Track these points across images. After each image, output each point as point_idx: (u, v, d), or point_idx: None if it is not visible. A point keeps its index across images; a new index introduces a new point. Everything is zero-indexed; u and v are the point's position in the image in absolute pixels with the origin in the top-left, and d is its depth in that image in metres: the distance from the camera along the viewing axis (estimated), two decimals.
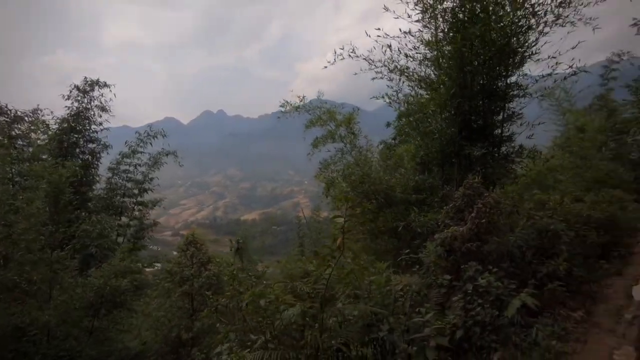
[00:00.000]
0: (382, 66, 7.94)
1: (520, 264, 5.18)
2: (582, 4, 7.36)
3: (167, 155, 21.16)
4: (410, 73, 7.82)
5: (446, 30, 7.22)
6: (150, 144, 20.57)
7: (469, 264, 4.75)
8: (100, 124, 18.49)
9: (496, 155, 7.42)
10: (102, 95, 17.81)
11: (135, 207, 20.62)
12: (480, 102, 7.32)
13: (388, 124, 15.54)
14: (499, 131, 7.72)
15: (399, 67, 7.77)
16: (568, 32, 6.98)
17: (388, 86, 8.62)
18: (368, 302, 3.41)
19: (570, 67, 7.28)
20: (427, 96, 7.87)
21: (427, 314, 3.33)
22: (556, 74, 7.38)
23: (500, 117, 7.66)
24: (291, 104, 10.73)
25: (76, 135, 17.70)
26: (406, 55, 7.70)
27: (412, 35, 7.70)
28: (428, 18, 7.31)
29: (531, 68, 7.52)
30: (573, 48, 7.14)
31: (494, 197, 5.18)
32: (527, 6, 7.09)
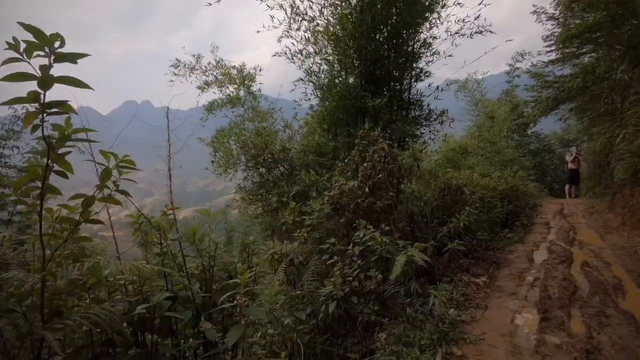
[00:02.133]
0: (276, 6, 6.72)
1: (420, 223, 4.40)
2: None
3: None
4: (310, 18, 6.77)
5: None
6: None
7: (357, 222, 3.79)
8: None
9: (403, 116, 6.71)
10: None
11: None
12: (386, 53, 6.53)
13: (311, 107, 14.59)
14: (407, 94, 7.09)
15: (294, 7, 6.65)
16: None
17: (292, 43, 7.53)
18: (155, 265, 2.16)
19: (476, 19, 6.88)
20: (331, 50, 6.93)
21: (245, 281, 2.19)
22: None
23: (409, 76, 7.04)
24: (185, 64, 9.07)
25: None
26: None
27: None
28: None
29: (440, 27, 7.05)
30: (479, 3, 6.80)
31: (391, 145, 4.30)
32: None
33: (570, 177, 14.97)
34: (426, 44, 6.92)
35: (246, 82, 8.40)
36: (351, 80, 6.36)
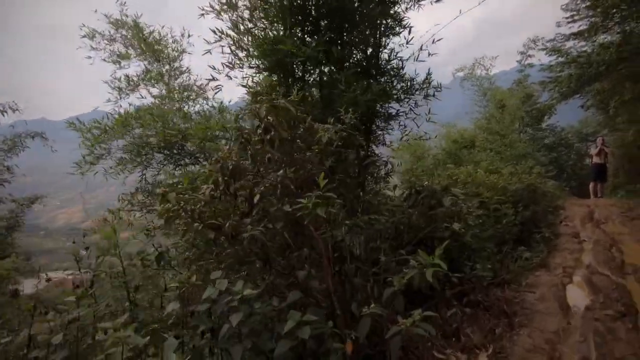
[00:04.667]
0: None
1: (363, 262, 2.24)
2: None
3: (32, 137, 16.24)
4: None
5: None
6: None
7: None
8: None
9: (362, 77, 4.40)
10: None
11: None
12: None
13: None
14: (375, 56, 4.83)
15: None
16: None
17: None
18: None
19: None
20: None
21: None
22: None
23: (376, 30, 4.80)
24: (95, 31, 6.97)
25: None
26: None
27: None
28: None
29: None
30: None
31: (292, 103, 2.16)
32: None
33: (596, 172, 12.24)
34: None
35: (168, 50, 6.33)
36: (286, 17, 4.18)
